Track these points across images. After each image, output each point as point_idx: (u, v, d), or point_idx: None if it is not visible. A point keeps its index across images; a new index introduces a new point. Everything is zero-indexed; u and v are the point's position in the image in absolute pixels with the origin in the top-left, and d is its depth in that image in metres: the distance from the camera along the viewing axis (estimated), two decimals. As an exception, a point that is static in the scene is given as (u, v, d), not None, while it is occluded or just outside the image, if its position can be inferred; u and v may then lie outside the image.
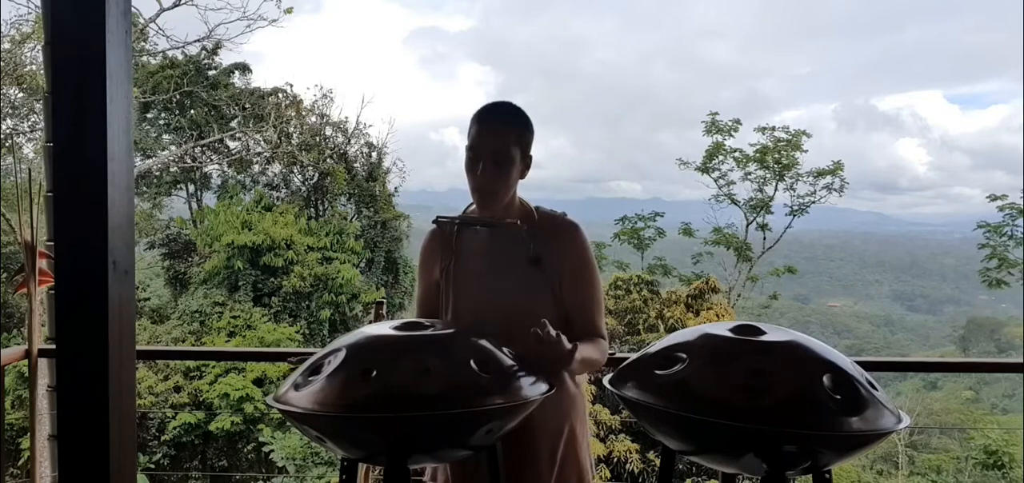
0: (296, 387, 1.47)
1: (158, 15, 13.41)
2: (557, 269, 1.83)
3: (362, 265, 14.58)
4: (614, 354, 2.62)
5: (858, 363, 1.49)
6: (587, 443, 1.92)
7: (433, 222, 1.94)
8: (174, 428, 10.88)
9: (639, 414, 1.54)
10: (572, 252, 1.87)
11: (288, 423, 2.15)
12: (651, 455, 7.57)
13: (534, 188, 1.95)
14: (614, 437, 7.88)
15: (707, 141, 15.72)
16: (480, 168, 1.77)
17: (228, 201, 14.30)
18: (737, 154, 15.67)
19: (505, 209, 1.86)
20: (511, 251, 1.84)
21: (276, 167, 15.39)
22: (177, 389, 11.34)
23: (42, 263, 2.63)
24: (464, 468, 1.81)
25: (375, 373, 1.41)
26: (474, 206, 1.92)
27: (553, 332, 1.57)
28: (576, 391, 1.89)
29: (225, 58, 15.32)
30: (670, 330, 7.80)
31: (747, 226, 15.82)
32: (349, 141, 15.61)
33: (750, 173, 15.68)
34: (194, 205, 16.28)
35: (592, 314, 1.87)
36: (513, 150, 1.79)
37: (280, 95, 15.41)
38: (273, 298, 13.10)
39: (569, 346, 1.59)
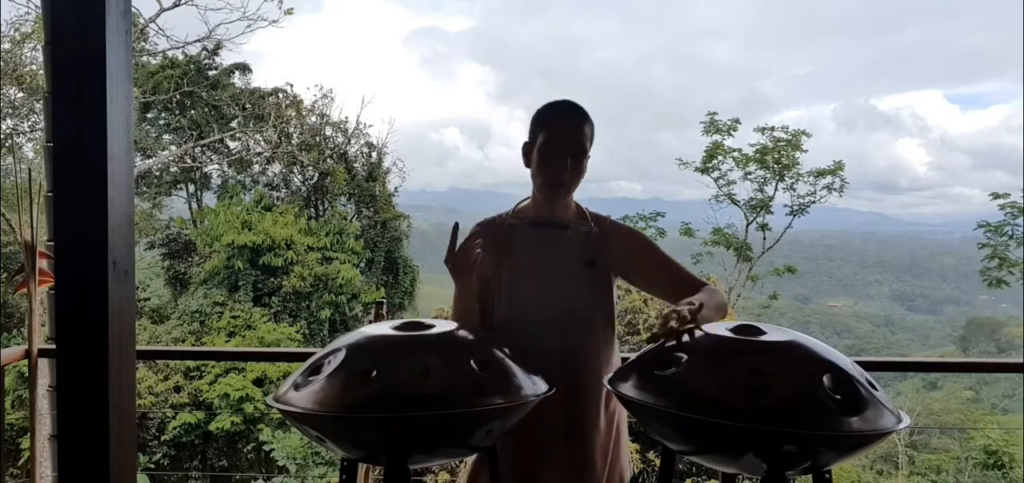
0: (296, 387, 1.46)
1: (158, 15, 13.43)
2: (615, 267, 1.86)
3: (362, 265, 14.58)
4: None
5: (858, 363, 1.48)
6: (627, 442, 1.96)
7: (509, 221, 1.90)
8: (174, 428, 10.89)
9: (639, 414, 1.53)
10: (627, 241, 1.91)
11: (288, 423, 2.15)
12: (651, 455, 7.56)
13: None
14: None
15: (707, 141, 15.67)
16: (565, 162, 1.79)
17: (228, 201, 14.31)
18: (737, 154, 15.62)
19: (564, 208, 1.88)
20: (565, 252, 1.85)
21: (276, 167, 15.41)
22: (177, 389, 11.34)
23: (42, 263, 2.62)
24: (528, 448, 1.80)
25: (375, 373, 1.41)
26: (526, 203, 1.93)
27: (683, 309, 1.53)
28: None
29: (225, 58, 15.37)
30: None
31: (747, 226, 15.78)
32: (349, 141, 15.62)
33: (750, 173, 15.64)
34: (194, 205, 16.28)
35: (683, 272, 1.90)
36: (588, 144, 1.83)
37: (280, 95, 15.42)
38: (273, 298, 13.10)
39: (694, 304, 1.55)
